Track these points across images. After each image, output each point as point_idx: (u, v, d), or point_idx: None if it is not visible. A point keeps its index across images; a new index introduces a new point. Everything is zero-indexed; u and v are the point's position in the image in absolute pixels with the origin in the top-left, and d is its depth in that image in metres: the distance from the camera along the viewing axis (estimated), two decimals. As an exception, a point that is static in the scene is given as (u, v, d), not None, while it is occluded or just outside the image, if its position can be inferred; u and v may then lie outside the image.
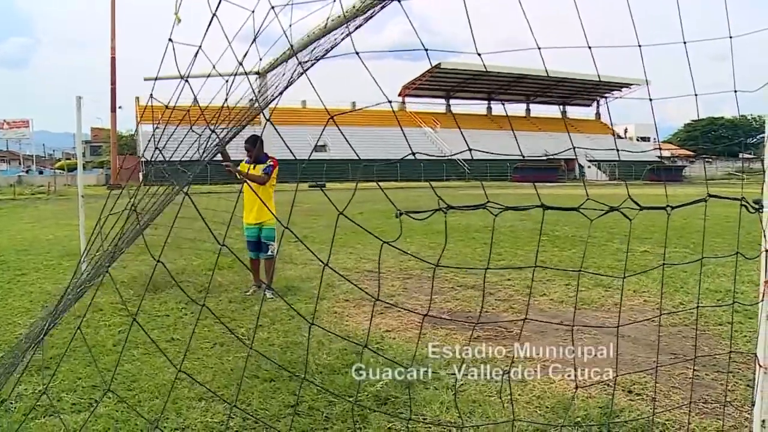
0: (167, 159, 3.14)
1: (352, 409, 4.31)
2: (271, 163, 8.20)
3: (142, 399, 4.62)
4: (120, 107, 64.46)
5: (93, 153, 74.60)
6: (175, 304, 7.48)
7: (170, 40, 2.15)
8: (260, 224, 8.25)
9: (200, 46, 2.22)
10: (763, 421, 2.36)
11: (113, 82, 60.41)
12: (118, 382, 4.90)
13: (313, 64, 4.80)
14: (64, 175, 58.86)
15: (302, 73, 4.53)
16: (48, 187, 46.03)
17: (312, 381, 4.92)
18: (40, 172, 66.32)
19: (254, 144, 8.22)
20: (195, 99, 2.62)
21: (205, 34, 2.22)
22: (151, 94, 2.81)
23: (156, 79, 3.15)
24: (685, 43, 2.80)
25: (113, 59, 59.82)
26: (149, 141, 3.40)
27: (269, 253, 8.35)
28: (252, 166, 8.22)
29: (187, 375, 4.56)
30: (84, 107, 9.45)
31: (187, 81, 2.31)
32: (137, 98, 62.91)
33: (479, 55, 2.36)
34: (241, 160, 8.55)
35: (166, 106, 2.74)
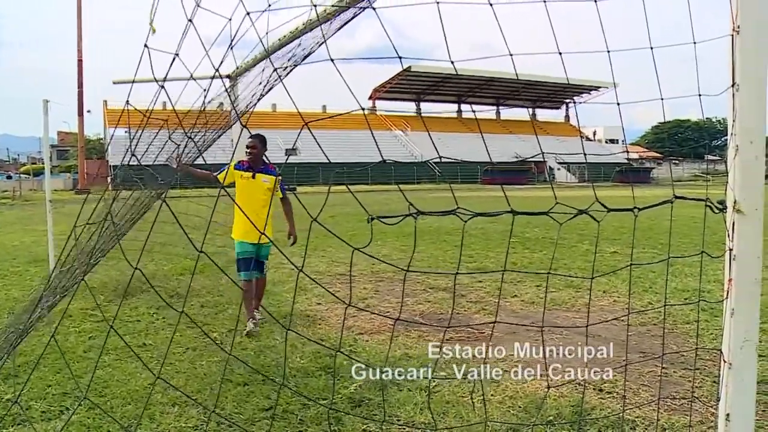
0: (132, 164, 3.13)
1: (327, 412, 4.32)
2: (280, 177, 6.87)
3: (115, 405, 4.58)
4: (88, 111, 63.49)
5: (60, 157, 73.60)
6: (146, 309, 7.42)
7: (146, 46, 2.15)
8: (260, 242, 6.68)
9: (177, 54, 2.22)
10: (728, 415, 2.43)
11: (80, 85, 59.44)
12: (90, 388, 4.85)
13: (288, 73, 4.82)
14: (30, 179, 57.91)
15: (278, 81, 4.55)
16: (13, 192, 45.23)
17: (286, 385, 4.92)
18: (9, 177, 65.10)
19: (263, 144, 6.82)
20: (171, 102, 2.62)
21: (182, 39, 2.22)
22: (105, 101, 2.80)
23: (122, 82, 3.14)
24: (651, 48, 2.86)
25: (80, 62, 58.91)
26: (109, 143, 3.38)
27: (265, 272, 7.25)
28: (251, 174, 6.70)
29: (164, 381, 4.54)
30: (50, 111, 9.33)
31: (163, 87, 2.31)
32: (105, 101, 62.03)
33: (452, 63, 2.40)
34: (223, 164, 6.79)
35: (139, 111, 2.73)
